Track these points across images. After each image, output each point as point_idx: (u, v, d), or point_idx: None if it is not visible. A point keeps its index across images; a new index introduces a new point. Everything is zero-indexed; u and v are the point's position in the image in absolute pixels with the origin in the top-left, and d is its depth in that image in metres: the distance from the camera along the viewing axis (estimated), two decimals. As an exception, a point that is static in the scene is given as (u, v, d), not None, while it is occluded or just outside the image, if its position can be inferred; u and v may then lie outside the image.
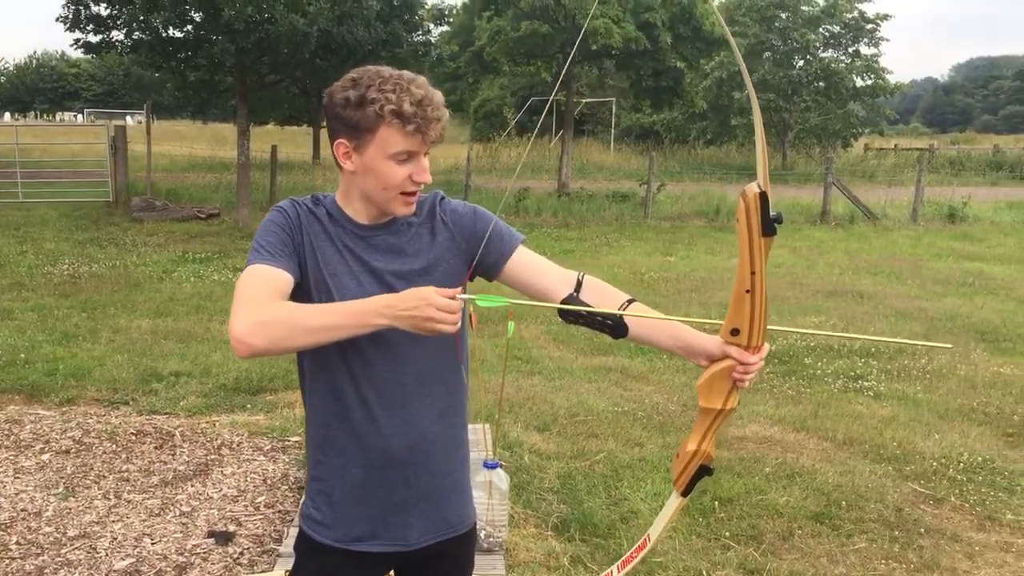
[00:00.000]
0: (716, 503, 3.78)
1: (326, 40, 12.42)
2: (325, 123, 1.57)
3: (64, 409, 4.92)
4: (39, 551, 3.32)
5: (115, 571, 3.19)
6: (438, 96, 1.49)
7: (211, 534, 3.48)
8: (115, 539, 3.42)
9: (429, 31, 16.37)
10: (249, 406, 5.04)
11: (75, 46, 13.24)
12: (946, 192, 17.01)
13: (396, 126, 1.46)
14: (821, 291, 8.76)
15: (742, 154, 27.54)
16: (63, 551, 3.32)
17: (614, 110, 32.17)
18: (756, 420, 4.94)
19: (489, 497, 2.70)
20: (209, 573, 3.20)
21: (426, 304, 1.34)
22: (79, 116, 47.09)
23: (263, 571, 3.19)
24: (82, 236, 11.41)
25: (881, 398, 5.46)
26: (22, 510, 3.66)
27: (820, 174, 16.57)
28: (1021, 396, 5.49)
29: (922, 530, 3.64)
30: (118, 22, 12.72)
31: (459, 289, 1.42)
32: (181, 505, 3.74)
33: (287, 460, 4.26)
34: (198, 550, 3.36)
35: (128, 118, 40.95)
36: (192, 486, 3.94)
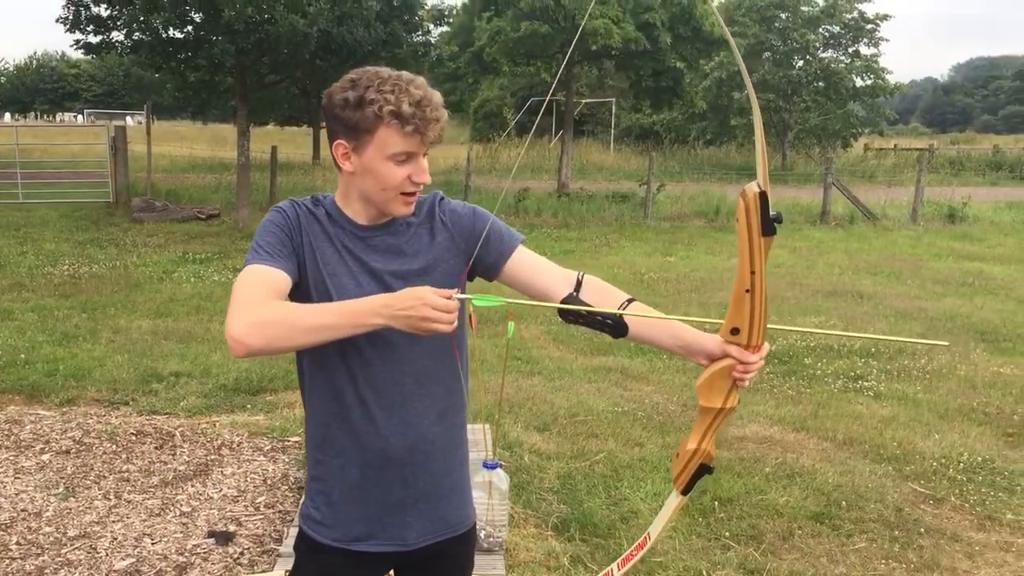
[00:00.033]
0: (716, 503, 3.78)
1: (326, 41, 12.43)
2: (324, 124, 1.57)
3: (64, 409, 4.92)
4: (39, 551, 3.32)
5: (115, 571, 3.19)
6: (437, 97, 1.49)
7: (211, 534, 3.48)
8: (115, 539, 3.42)
9: (429, 31, 16.39)
10: (249, 406, 5.04)
11: (75, 47, 13.25)
12: (946, 192, 17.01)
13: (395, 127, 1.46)
14: (821, 291, 8.76)
15: (742, 154, 27.54)
16: (63, 551, 3.32)
17: (614, 110, 32.17)
18: (756, 420, 4.95)
19: (489, 497, 2.70)
20: (209, 573, 3.20)
21: (422, 304, 1.34)
22: (79, 117, 47.11)
23: (263, 571, 3.20)
24: (82, 237, 11.41)
25: (881, 398, 5.46)
26: (22, 510, 3.66)
27: (820, 174, 16.57)
28: (1021, 396, 5.49)
29: (922, 530, 3.64)
30: (118, 23, 12.72)
31: (456, 289, 1.42)
32: (181, 505, 3.74)
33: (287, 460, 4.26)
34: (198, 550, 3.36)
35: (128, 119, 40.95)
36: (192, 486, 3.94)
